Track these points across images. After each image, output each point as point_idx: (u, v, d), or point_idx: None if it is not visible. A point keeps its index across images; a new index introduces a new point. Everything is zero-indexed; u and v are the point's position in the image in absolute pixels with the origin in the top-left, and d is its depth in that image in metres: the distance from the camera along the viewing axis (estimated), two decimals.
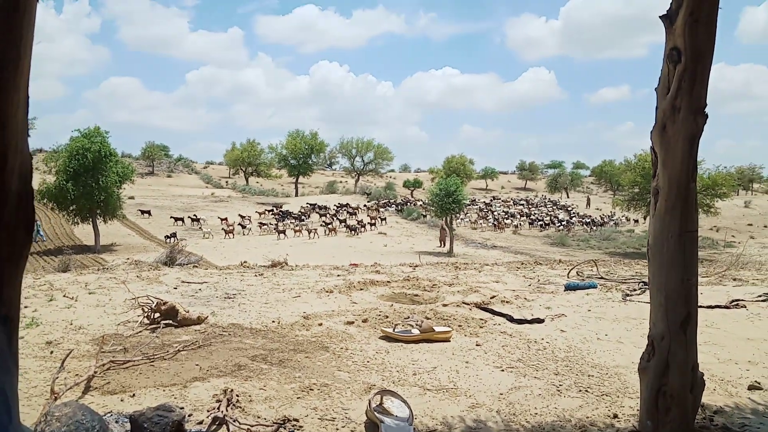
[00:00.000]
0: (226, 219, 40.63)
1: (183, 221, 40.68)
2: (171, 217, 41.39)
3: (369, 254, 29.12)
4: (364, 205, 52.25)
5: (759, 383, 4.84)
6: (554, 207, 60.73)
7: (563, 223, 46.27)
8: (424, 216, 47.04)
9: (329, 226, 36.68)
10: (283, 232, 34.93)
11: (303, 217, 44.38)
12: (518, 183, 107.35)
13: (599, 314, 7.64)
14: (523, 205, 62.38)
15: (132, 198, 46.00)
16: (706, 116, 3.42)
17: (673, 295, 3.49)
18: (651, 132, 3.53)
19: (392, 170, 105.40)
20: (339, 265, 14.80)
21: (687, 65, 3.31)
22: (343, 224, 39.06)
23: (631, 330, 6.76)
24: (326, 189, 72.80)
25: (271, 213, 45.88)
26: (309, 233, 34.89)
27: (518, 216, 50.02)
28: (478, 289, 9.28)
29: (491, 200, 64.13)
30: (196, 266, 12.95)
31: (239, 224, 38.95)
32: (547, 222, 46.32)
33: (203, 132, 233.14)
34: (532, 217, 49.10)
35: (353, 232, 36.50)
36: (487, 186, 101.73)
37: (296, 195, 70.75)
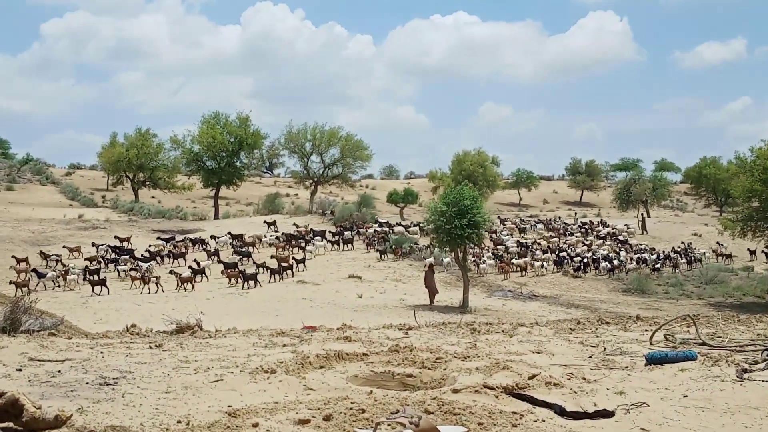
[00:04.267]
0: (25, 259, 39.37)
1: None
2: None
3: (334, 310, 28.92)
4: (276, 237, 49.92)
5: None
6: (591, 233, 59.53)
7: (612, 262, 45.14)
8: (417, 248, 46.59)
9: (182, 276, 35.31)
10: (102, 283, 34.15)
11: (160, 257, 43.21)
12: (570, 194, 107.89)
13: (702, 402, 7.66)
14: (532, 227, 60.39)
15: None
16: None
17: None
18: None
19: (370, 176, 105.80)
20: (286, 328, 14.66)
21: None
22: (226, 272, 37.55)
23: (753, 426, 6.79)
24: (264, 207, 72.21)
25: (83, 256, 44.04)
26: (146, 284, 34.34)
27: (537, 250, 48.36)
28: (509, 365, 9.26)
29: (499, 225, 61.62)
30: (54, 333, 12.77)
31: (33, 270, 36.90)
32: (580, 261, 44.82)
33: (67, 117, 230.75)
34: (561, 253, 47.51)
35: (247, 284, 35.42)
36: (521, 199, 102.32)
37: (216, 216, 70.32)
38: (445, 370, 9.18)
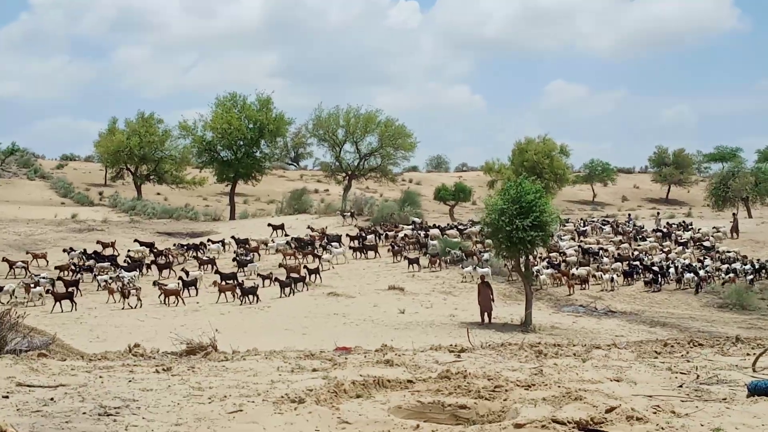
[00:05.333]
0: None
1: None
2: None
3: (371, 328, 28.90)
4: (287, 243, 49.13)
5: None
6: (669, 237, 58.54)
7: (697, 273, 43.70)
8: (458, 255, 45.98)
9: (166, 288, 35.01)
10: (69, 296, 33.84)
11: (141, 265, 42.93)
12: (654, 189, 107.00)
13: None
14: (596, 229, 59.26)
15: None
16: None
17: None
18: None
19: (414, 168, 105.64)
20: (315, 349, 14.65)
21: None
22: (218, 284, 36.92)
23: None
24: (289, 205, 72.28)
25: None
26: (124, 297, 34.20)
27: (604, 258, 46.93)
28: (583, 395, 9.18)
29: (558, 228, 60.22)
30: (45, 354, 12.86)
31: None
32: (657, 272, 43.40)
33: (60, 100, 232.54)
34: (633, 262, 46.01)
35: (245, 298, 35.11)
36: (594, 196, 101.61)
37: (232, 216, 70.53)
38: (505, 400, 9.10)
